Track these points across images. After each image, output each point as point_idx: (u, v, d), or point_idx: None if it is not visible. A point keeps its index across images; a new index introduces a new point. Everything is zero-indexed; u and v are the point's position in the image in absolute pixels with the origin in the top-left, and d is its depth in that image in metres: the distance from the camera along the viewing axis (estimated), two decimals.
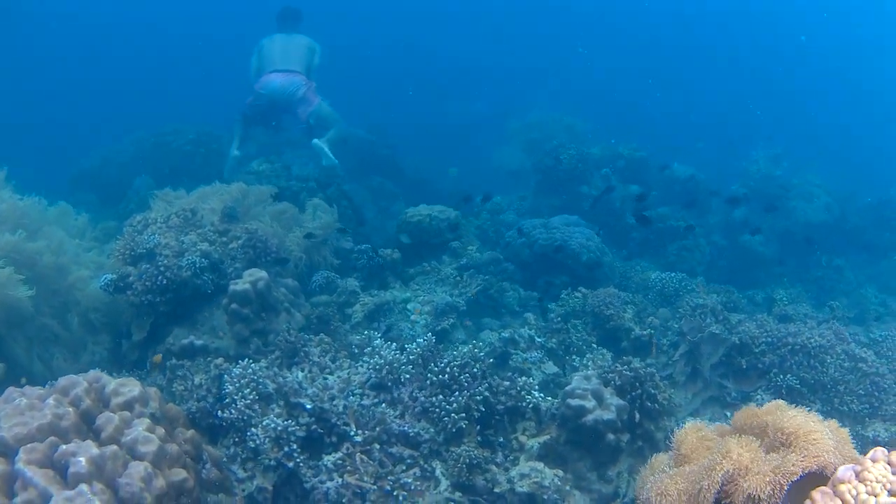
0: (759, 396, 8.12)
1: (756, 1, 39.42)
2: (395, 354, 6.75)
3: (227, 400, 6.49)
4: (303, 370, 7.02)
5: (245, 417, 6.33)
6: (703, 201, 16.33)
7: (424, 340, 7.02)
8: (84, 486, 4.29)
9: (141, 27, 35.53)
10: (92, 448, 4.56)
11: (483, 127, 22.49)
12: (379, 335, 7.49)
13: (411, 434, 6.29)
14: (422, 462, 6.22)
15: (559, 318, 9.26)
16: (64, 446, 4.56)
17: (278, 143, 15.74)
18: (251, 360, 6.93)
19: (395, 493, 5.95)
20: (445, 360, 6.68)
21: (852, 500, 2.87)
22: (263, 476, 6.12)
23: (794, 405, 3.62)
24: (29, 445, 4.53)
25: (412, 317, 9.32)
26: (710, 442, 3.62)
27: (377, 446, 6.19)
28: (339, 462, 6.07)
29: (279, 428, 6.15)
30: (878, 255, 16.06)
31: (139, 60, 33.11)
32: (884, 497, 2.83)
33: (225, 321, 7.99)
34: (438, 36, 37.24)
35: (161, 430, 5.07)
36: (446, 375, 6.54)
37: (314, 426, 6.28)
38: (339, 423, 6.27)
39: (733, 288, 11.35)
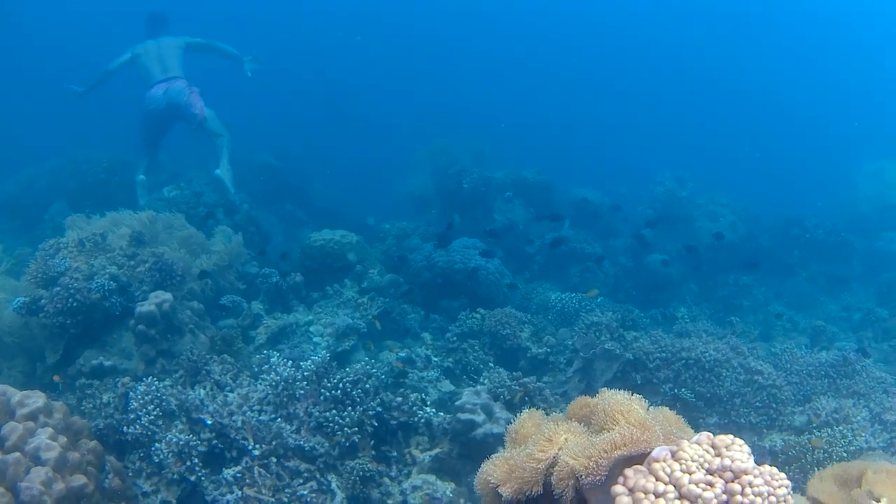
0: None
1: (663, 23, 40.37)
2: (291, 371, 7.06)
3: (132, 416, 6.78)
4: (204, 388, 7.31)
5: (149, 433, 6.65)
6: (609, 224, 16.71)
7: (319, 357, 7.33)
8: None
9: (63, 45, 35.36)
10: None
11: (393, 157, 22.78)
12: (278, 355, 7.73)
13: (307, 448, 6.61)
14: (318, 475, 6.54)
15: (455, 338, 9.57)
16: None
17: (187, 168, 15.89)
18: (155, 379, 7.24)
19: None
20: (338, 377, 6.99)
21: (666, 478, 3.07)
22: (167, 489, 6.44)
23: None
24: None
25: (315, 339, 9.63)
26: (543, 428, 3.72)
27: (274, 460, 6.51)
28: (239, 475, 6.39)
29: (181, 443, 6.47)
30: (785, 273, 16.36)
31: (63, 83, 33.01)
32: (698, 475, 3.04)
33: (133, 342, 8.23)
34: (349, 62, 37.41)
35: (63, 439, 5.36)
36: (339, 391, 6.87)
37: (214, 441, 6.60)
38: (238, 437, 6.58)
39: (632, 307, 11.64)
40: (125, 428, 6.73)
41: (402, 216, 15.81)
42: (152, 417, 6.74)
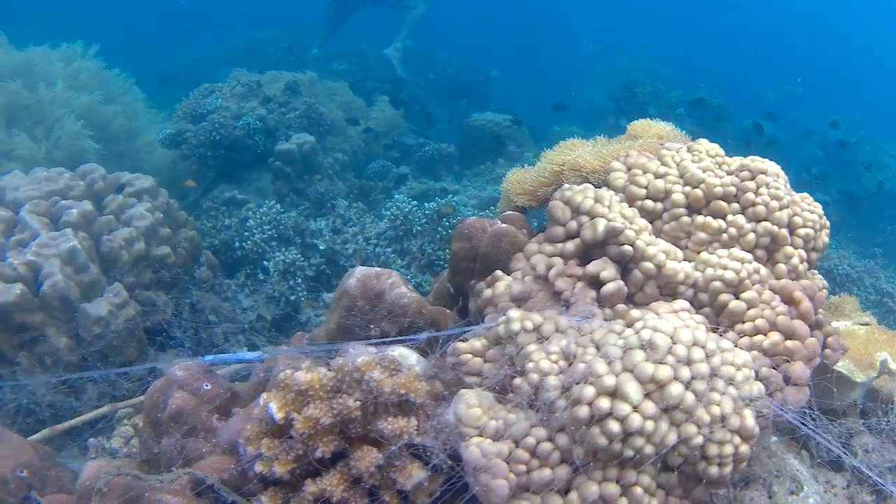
0: None
1: None
2: (412, 207, 6.95)
3: (246, 233, 6.78)
4: (326, 220, 7.27)
5: (259, 250, 6.62)
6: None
7: (443, 200, 7.20)
8: (69, 230, 4.61)
9: None
10: (87, 205, 4.90)
11: (573, 69, 22.46)
12: (405, 195, 7.64)
13: (413, 283, 6.42)
14: None
15: None
16: (63, 201, 4.90)
17: (366, 47, 15.88)
18: (279, 205, 7.21)
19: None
20: (459, 217, 6.79)
21: (672, 163, 2.85)
22: (266, 307, 6.39)
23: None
24: (34, 200, 4.88)
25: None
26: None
27: None
28: None
29: (288, 261, 6.42)
30: None
31: None
32: (709, 163, 2.81)
33: (269, 182, 8.26)
34: None
35: (159, 215, 5.35)
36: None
37: (323, 266, 6.54)
38: (346, 265, 6.50)
39: None
40: (237, 243, 6.75)
41: (575, 124, 15.48)
42: (266, 237, 6.72)
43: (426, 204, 7.08)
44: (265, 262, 6.51)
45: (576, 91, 19.36)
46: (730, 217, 2.69)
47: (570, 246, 2.67)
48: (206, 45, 19.86)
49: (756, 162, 2.77)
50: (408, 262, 6.66)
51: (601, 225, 2.57)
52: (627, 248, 2.55)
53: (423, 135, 11.86)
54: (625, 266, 2.59)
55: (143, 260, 5.04)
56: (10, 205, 5.01)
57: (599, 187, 2.83)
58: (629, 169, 2.85)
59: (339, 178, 8.75)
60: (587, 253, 2.67)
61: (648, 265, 2.54)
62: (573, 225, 2.67)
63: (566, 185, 2.80)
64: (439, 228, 6.77)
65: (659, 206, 2.75)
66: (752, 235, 2.67)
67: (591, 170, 3.02)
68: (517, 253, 2.87)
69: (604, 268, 2.55)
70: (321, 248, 6.61)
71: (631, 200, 2.77)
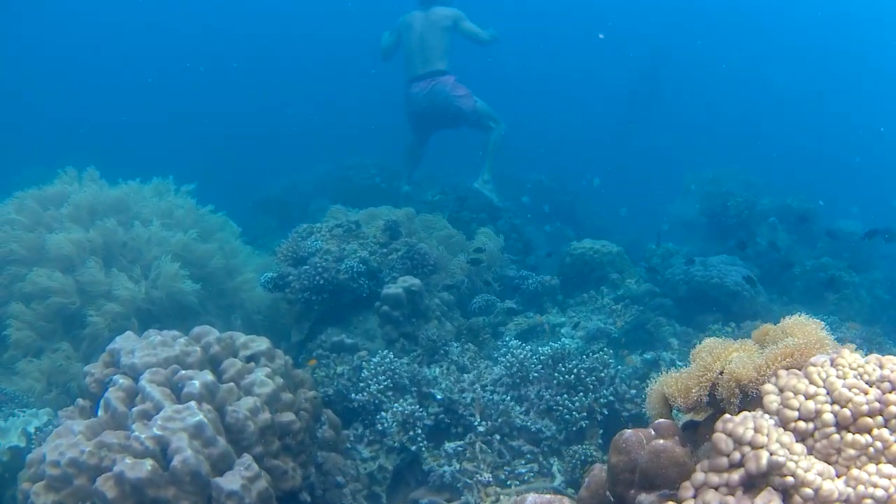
0: None
1: None
2: (527, 354, 6.89)
3: (361, 384, 6.76)
4: (440, 367, 7.22)
5: (376, 401, 6.60)
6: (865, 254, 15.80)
7: (557, 344, 7.15)
8: (193, 403, 4.58)
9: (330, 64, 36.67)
10: (208, 376, 4.88)
11: (659, 177, 22.56)
12: (517, 341, 7.56)
13: (533, 429, 6.42)
14: (540, 458, 6.35)
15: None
16: (183, 371, 4.90)
17: (454, 175, 15.90)
18: (392, 354, 7.17)
19: (508, 483, 6.11)
20: (574, 362, 6.76)
21: (819, 381, 3.02)
22: (386, 457, 6.36)
23: None
24: (153, 369, 4.91)
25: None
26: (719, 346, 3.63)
27: (498, 437, 6.36)
28: (460, 449, 6.29)
29: (407, 412, 6.37)
30: None
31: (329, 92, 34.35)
32: (853, 380, 2.97)
33: (377, 324, 8.20)
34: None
35: (280, 380, 5.31)
36: (572, 376, 6.64)
37: (442, 415, 6.51)
38: (465, 413, 6.46)
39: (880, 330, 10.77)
40: (353, 395, 6.73)
41: (670, 238, 15.43)
42: (381, 387, 6.69)
43: (541, 349, 7.01)
44: (384, 413, 6.44)
45: (662, 204, 19.42)
46: (875, 431, 2.92)
47: (735, 476, 2.97)
48: (296, 172, 20.26)
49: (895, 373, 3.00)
50: (526, 409, 6.58)
51: (764, 459, 2.87)
52: (789, 479, 2.83)
53: (522, 264, 11.84)
54: (784, 491, 2.85)
55: (269, 429, 5.00)
56: (128, 369, 5.05)
57: (753, 399, 3.19)
58: (781, 391, 3.10)
59: (447, 318, 8.70)
60: (750, 479, 2.94)
61: (808, 491, 2.81)
62: (736, 455, 2.98)
63: (727, 417, 3.10)
64: (555, 374, 6.68)
65: (810, 425, 2.99)
66: (895, 447, 2.90)
67: (749, 381, 3.22)
68: (682, 478, 3.15)
69: (770, 499, 2.84)
70: (438, 397, 6.55)
71: (785, 423, 3.02)
